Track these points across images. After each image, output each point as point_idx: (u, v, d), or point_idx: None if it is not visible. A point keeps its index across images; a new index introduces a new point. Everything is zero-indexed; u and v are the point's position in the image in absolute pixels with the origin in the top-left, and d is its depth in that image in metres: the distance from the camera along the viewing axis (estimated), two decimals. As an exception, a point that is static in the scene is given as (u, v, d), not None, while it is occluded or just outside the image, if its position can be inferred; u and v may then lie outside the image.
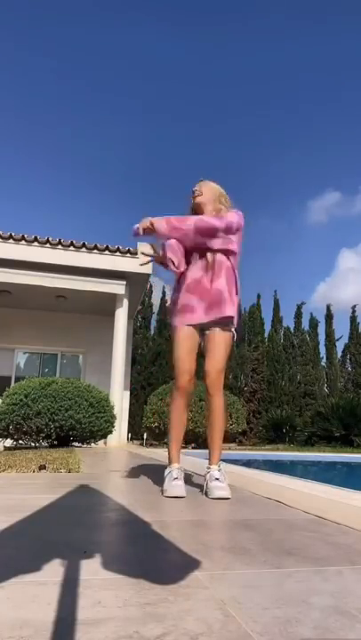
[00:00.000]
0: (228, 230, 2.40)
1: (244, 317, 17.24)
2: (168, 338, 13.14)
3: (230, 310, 2.33)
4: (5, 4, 17.83)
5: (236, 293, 2.41)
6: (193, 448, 8.54)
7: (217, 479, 2.12)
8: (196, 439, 9.00)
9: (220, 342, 2.34)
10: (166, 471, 2.23)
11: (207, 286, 2.34)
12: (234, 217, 2.41)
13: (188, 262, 2.44)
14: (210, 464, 2.26)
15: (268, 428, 13.29)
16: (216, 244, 2.39)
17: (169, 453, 2.31)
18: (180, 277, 2.45)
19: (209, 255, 2.40)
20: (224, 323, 2.35)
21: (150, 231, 2.39)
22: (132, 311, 11.43)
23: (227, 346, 2.36)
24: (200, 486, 2.30)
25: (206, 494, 2.10)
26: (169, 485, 2.11)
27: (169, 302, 2.53)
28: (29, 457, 3.97)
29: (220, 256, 2.39)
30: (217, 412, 2.33)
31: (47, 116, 25.16)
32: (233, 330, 2.40)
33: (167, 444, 2.36)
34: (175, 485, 2.10)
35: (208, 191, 2.53)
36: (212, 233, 2.37)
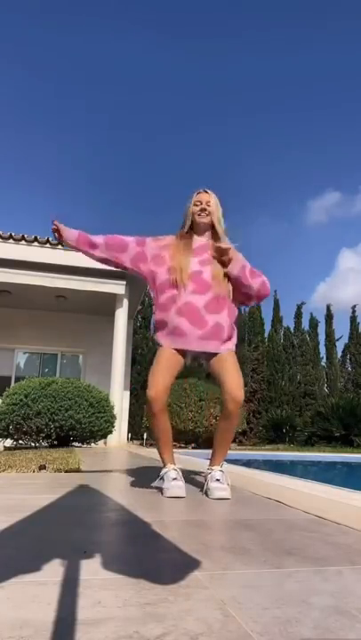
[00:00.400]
0: (257, 298, 2.41)
1: (244, 317, 17.24)
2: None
3: (227, 348, 2.27)
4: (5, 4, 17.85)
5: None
6: (193, 448, 8.54)
7: (218, 480, 2.11)
8: (196, 439, 9.00)
9: (233, 363, 2.24)
10: (163, 472, 2.20)
11: (206, 317, 2.23)
12: (267, 290, 2.41)
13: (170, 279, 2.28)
14: (212, 465, 2.24)
15: (268, 428, 13.30)
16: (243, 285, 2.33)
17: (162, 457, 2.28)
18: (162, 295, 2.31)
19: (213, 286, 2.27)
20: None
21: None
22: (132, 311, 11.43)
23: (234, 360, 2.28)
24: (200, 486, 2.30)
25: (206, 494, 2.10)
26: (168, 485, 2.10)
27: (153, 321, 2.42)
28: (29, 457, 3.97)
29: (227, 286, 2.30)
30: (232, 425, 2.25)
31: (47, 115, 25.18)
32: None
33: (158, 451, 2.33)
34: (175, 486, 2.08)
35: (216, 208, 2.41)
36: (246, 290, 2.34)
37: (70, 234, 2.40)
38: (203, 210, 2.38)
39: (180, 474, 2.19)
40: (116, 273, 9.77)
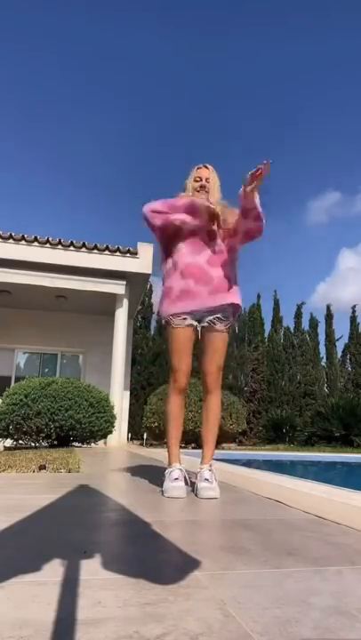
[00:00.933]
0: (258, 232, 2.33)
1: (244, 317, 17.24)
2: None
3: (237, 298, 2.31)
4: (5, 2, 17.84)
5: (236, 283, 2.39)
6: (193, 448, 8.54)
7: (206, 479, 2.13)
8: (196, 439, 9.00)
9: (220, 342, 2.32)
10: (167, 471, 2.21)
11: (210, 272, 2.26)
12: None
13: (175, 248, 2.33)
14: (202, 464, 2.27)
15: (268, 427, 13.30)
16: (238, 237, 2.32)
17: (169, 453, 2.30)
18: (169, 264, 2.35)
19: (214, 243, 2.31)
20: (225, 314, 2.30)
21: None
22: (132, 311, 11.43)
23: (225, 345, 2.35)
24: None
25: (196, 494, 2.11)
26: (169, 486, 2.10)
27: (161, 294, 2.42)
28: (29, 457, 3.98)
29: (224, 246, 2.34)
30: (214, 411, 2.34)
31: (47, 115, 25.17)
32: (232, 323, 2.37)
33: (166, 444, 2.36)
34: (175, 487, 2.09)
35: (215, 184, 2.43)
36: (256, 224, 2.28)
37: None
38: (202, 187, 2.41)
39: (183, 473, 2.19)
40: (116, 273, 9.77)
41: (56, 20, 20.46)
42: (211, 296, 2.25)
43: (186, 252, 2.30)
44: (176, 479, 2.13)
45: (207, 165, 2.47)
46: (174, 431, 2.32)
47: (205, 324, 2.30)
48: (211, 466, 2.24)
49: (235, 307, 2.34)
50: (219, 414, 2.37)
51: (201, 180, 2.42)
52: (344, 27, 22.67)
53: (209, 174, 2.44)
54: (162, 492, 2.11)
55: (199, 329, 2.31)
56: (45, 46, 22.06)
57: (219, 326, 2.31)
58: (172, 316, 2.27)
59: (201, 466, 2.25)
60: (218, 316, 2.30)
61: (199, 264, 2.26)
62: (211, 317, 2.30)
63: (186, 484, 2.15)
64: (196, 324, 2.29)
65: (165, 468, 2.28)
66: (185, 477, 2.17)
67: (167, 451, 2.33)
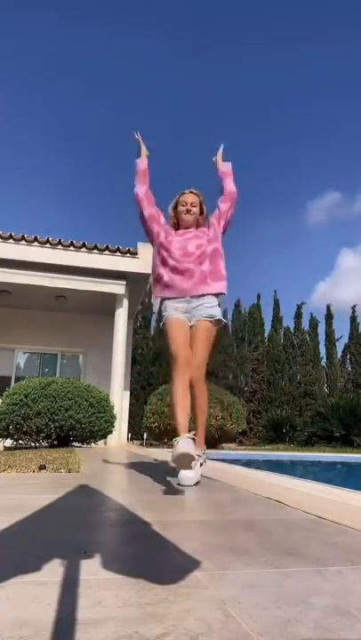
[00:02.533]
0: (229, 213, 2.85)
1: (244, 317, 17.23)
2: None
3: (215, 288, 2.60)
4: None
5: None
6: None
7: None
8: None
9: (205, 332, 2.54)
10: (174, 440, 2.21)
11: (197, 262, 2.59)
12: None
13: (167, 234, 2.71)
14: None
15: (268, 428, 13.29)
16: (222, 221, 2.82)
17: (177, 425, 2.32)
18: (161, 249, 2.69)
19: (201, 233, 2.70)
20: (211, 308, 2.58)
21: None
22: (132, 311, 11.42)
23: (209, 340, 2.56)
24: (198, 484, 2.30)
25: (177, 478, 2.27)
26: (176, 450, 2.10)
27: (153, 276, 2.78)
28: (29, 457, 3.97)
29: (208, 238, 2.69)
30: (198, 405, 2.53)
31: (47, 115, 25.17)
32: (220, 320, 2.61)
33: (171, 418, 2.55)
34: (181, 446, 2.10)
35: (198, 206, 2.80)
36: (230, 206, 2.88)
37: (142, 161, 2.96)
38: (188, 211, 2.76)
39: (190, 440, 2.19)
40: (116, 273, 9.77)
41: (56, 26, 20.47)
42: (193, 287, 2.57)
43: (179, 255, 2.63)
44: (182, 443, 2.14)
45: (192, 190, 2.83)
46: (181, 407, 2.36)
47: (193, 321, 2.57)
48: (204, 451, 2.51)
49: (218, 295, 2.65)
50: (204, 404, 2.58)
51: (186, 204, 2.77)
52: (344, 30, 22.66)
53: (194, 199, 2.78)
54: (172, 461, 2.16)
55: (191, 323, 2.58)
56: (44, 43, 22.06)
57: (203, 314, 2.58)
58: (164, 300, 2.62)
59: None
60: (202, 318, 2.56)
61: (186, 267, 2.59)
62: (196, 306, 2.58)
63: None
64: (185, 318, 2.58)
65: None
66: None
67: (176, 423, 2.35)
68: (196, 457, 2.22)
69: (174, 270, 2.62)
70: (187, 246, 2.65)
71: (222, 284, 2.68)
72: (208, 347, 2.57)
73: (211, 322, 2.58)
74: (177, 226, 2.80)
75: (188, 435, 2.23)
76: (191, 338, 2.53)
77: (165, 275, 2.64)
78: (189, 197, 2.78)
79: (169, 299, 2.63)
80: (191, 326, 2.57)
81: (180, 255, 2.63)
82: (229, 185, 2.92)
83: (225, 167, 3.00)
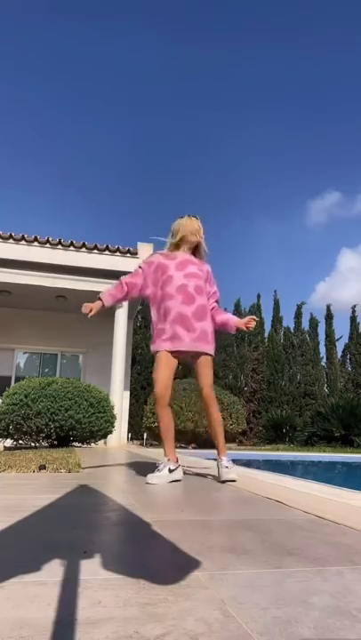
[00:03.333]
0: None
1: (244, 317, 17.21)
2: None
3: (212, 349, 2.80)
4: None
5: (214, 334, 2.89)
6: (193, 448, 8.54)
7: (226, 467, 2.62)
8: (195, 439, 9.00)
9: (208, 365, 2.78)
10: (162, 464, 2.58)
11: (193, 323, 2.73)
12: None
13: (165, 292, 2.78)
14: (220, 455, 2.70)
15: (268, 428, 13.29)
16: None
17: (165, 450, 2.71)
18: (160, 307, 2.82)
19: (197, 297, 2.78)
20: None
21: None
22: (132, 311, 11.43)
23: (212, 367, 2.81)
24: (199, 483, 2.30)
25: (219, 477, 2.61)
26: (165, 474, 2.52)
27: (153, 330, 2.91)
28: (29, 457, 3.97)
29: (204, 300, 2.82)
30: (215, 420, 2.81)
31: (47, 115, 25.17)
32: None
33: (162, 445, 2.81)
34: (160, 476, 2.50)
35: (202, 234, 2.92)
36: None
37: (106, 301, 2.89)
38: (197, 235, 2.90)
39: (177, 466, 2.62)
40: (116, 273, 9.77)
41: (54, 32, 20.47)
42: (193, 343, 2.72)
43: (179, 301, 2.74)
44: (172, 470, 2.57)
45: (196, 216, 2.93)
46: (169, 435, 2.73)
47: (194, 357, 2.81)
48: (227, 455, 2.70)
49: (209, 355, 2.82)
50: (219, 420, 2.84)
51: (198, 229, 2.89)
52: (344, 30, 22.66)
53: (198, 224, 2.91)
54: (150, 478, 2.49)
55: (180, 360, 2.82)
56: (45, 43, 22.06)
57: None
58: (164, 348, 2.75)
59: (221, 457, 2.68)
60: (192, 356, 2.81)
61: (187, 315, 2.72)
62: (187, 357, 2.82)
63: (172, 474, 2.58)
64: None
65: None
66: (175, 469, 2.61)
67: (164, 449, 2.74)
68: (229, 461, 2.67)
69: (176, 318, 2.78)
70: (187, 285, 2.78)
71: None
72: (211, 372, 2.81)
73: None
74: (180, 247, 2.91)
75: (175, 463, 2.62)
76: (199, 365, 2.78)
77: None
78: (196, 222, 2.91)
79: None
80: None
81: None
82: (225, 316, 3.06)
83: (232, 319, 3.07)
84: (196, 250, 2.95)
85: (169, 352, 2.71)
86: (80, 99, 24.97)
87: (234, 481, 2.53)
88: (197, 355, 2.75)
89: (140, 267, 2.94)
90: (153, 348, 2.79)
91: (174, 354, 2.73)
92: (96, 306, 2.85)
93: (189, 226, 2.88)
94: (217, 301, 2.99)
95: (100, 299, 2.88)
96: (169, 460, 2.62)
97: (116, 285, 2.89)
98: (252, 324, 2.94)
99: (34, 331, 11.39)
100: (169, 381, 2.71)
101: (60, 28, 20.74)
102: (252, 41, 23.10)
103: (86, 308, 2.84)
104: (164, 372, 2.69)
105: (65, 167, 28.24)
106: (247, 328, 2.96)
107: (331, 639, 0.68)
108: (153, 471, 2.56)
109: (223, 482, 2.55)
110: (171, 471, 2.56)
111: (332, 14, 22.30)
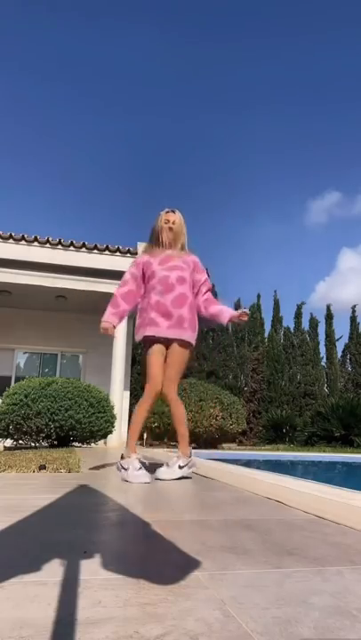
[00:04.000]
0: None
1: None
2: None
3: (187, 336, 2.82)
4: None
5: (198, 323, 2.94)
6: (193, 448, 8.54)
7: (167, 464, 2.71)
8: (195, 439, 9.00)
9: (177, 354, 2.82)
10: (126, 462, 2.62)
11: (171, 310, 2.81)
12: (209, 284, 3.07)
13: (148, 285, 2.92)
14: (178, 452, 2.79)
15: (268, 428, 13.28)
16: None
17: (128, 445, 2.76)
18: (143, 300, 2.96)
19: (177, 287, 2.86)
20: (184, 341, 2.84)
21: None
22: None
23: (183, 359, 2.85)
24: (200, 483, 2.30)
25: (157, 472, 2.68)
26: (133, 474, 2.53)
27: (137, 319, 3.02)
28: (29, 457, 3.97)
29: (186, 289, 2.89)
30: (173, 417, 2.87)
31: (47, 115, 25.16)
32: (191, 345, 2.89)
33: (128, 437, 2.88)
34: (141, 474, 2.54)
35: (181, 224, 3.01)
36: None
37: (114, 322, 3.06)
38: (170, 229, 2.98)
39: (142, 463, 2.65)
40: (116, 273, 9.77)
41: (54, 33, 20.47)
42: (169, 330, 2.80)
43: (158, 291, 2.86)
44: (140, 468, 2.58)
45: (174, 210, 3.04)
46: (137, 430, 2.81)
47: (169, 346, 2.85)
48: (190, 455, 2.78)
49: (188, 343, 2.86)
50: (180, 415, 2.87)
51: (168, 222, 2.99)
52: (344, 30, 22.66)
53: (175, 218, 3.01)
54: (125, 479, 2.54)
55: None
56: (45, 43, 22.05)
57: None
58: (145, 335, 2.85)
59: (178, 455, 2.78)
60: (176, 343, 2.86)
61: (165, 303, 2.82)
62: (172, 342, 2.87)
63: (147, 470, 2.63)
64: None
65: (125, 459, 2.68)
66: (145, 465, 2.67)
67: (127, 444, 2.83)
68: (173, 461, 2.73)
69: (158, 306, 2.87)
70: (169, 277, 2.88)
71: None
72: (183, 366, 2.90)
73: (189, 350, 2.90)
74: (159, 243, 3.01)
75: (137, 456, 2.68)
76: (167, 354, 2.85)
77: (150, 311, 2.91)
78: (171, 216, 3.00)
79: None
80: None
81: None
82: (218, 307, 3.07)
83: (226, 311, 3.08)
84: (179, 242, 3.04)
85: (152, 340, 2.81)
86: (80, 99, 24.95)
87: (166, 480, 2.61)
88: (170, 341, 2.82)
89: (129, 272, 3.09)
90: (136, 337, 2.93)
91: (161, 342, 2.83)
92: (109, 330, 3.00)
93: (159, 220, 3.01)
94: (210, 291, 3.04)
95: (106, 322, 3.02)
96: (179, 456, 2.72)
97: (112, 302, 3.04)
98: (245, 318, 2.97)
99: (34, 331, 11.38)
100: (161, 373, 2.82)
101: (60, 27, 20.72)
102: (253, 41, 23.09)
103: (105, 331, 3.04)
104: (157, 362, 2.81)
105: (65, 167, 28.21)
106: (240, 321, 2.99)
107: (331, 639, 0.68)
108: (162, 466, 2.68)
109: (157, 479, 2.64)
110: (181, 467, 2.65)
111: (333, 14, 22.30)
